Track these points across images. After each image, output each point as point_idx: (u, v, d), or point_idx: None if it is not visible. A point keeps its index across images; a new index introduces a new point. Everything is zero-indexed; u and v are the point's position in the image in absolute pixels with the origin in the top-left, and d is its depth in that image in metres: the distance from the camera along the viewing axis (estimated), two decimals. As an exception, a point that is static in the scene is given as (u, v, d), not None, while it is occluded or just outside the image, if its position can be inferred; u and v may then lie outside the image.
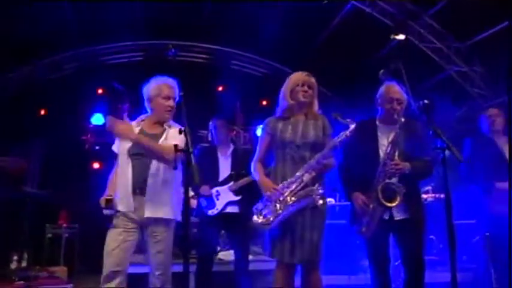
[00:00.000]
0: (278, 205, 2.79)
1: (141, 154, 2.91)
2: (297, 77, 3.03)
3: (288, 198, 2.80)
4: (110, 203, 2.91)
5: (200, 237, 4.44)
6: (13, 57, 6.78)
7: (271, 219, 2.79)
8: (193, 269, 4.50)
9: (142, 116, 3.08)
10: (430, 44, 6.87)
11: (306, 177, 2.82)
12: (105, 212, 2.91)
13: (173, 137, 2.91)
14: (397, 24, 6.33)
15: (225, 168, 4.46)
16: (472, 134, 4.01)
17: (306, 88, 2.98)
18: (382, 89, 3.17)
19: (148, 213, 2.86)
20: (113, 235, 2.88)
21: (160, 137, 2.97)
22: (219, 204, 4.36)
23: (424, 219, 3.12)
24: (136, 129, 2.98)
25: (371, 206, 2.99)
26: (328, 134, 3.00)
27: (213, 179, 4.38)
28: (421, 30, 6.82)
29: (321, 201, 2.80)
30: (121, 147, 3.00)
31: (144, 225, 2.91)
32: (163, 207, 2.89)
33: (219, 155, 4.49)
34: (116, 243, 2.85)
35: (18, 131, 6.78)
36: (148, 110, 3.05)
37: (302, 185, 2.82)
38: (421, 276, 3.03)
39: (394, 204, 2.95)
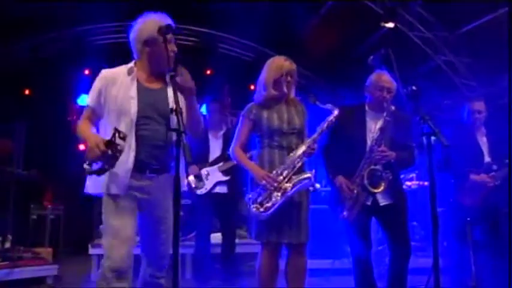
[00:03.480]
0: (276, 192, 2.81)
1: (152, 118, 2.34)
2: (280, 65, 2.93)
3: (284, 184, 2.82)
4: (113, 145, 2.16)
5: (196, 218, 4.56)
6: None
7: (270, 205, 2.80)
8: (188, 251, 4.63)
9: (129, 65, 2.41)
10: (418, 33, 6.90)
11: (298, 163, 2.86)
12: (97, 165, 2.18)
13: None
14: (387, 12, 6.33)
15: (215, 150, 4.55)
16: (452, 124, 4.06)
17: (289, 79, 2.92)
18: (373, 76, 3.19)
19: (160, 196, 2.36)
20: (118, 218, 2.30)
21: (166, 94, 2.37)
22: (208, 184, 4.46)
23: (406, 205, 3.19)
24: (128, 80, 2.34)
25: (355, 190, 3.03)
26: (306, 119, 3.04)
27: (202, 160, 4.45)
28: (411, 19, 6.84)
29: (317, 185, 2.86)
30: (119, 102, 2.30)
31: (146, 207, 2.39)
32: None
33: (210, 136, 4.56)
34: (125, 241, 2.29)
35: (1, 111, 6.68)
36: (140, 56, 2.41)
37: (294, 170, 2.85)
38: (407, 260, 3.09)
39: (378, 191, 3.01)
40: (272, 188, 2.81)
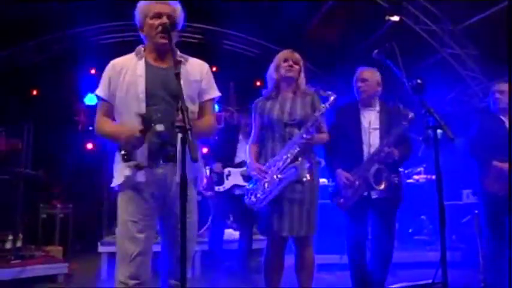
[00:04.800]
0: (266, 184, 2.87)
1: (162, 98, 2.20)
2: (281, 54, 3.08)
3: (275, 176, 2.85)
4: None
5: (212, 213, 4.65)
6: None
7: (260, 197, 2.88)
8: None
9: (140, 47, 2.36)
10: (424, 26, 6.86)
11: (290, 154, 2.85)
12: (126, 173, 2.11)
13: (199, 72, 2.35)
14: (392, 6, 6.30)
15: (241, 153, 4.58)
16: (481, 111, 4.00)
17: (290, 63, 3.00)
18: (356, 73, 3.35)
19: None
20: (129, 227, 2.15)
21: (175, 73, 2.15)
22: (227, 184, 4.55)
23: (399, 197, 3.29)
24: (136, 61, 2.28)
25: (356, 182, 3.13)
26: (318, 108, 2.99)
27: (227, 160, 4.51)
28: (416, 12, 6.81)
29: (308, 176, 2.82)
30: (126, 83, 2.23)
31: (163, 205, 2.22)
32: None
33: (241, 137, 4.61)
34: (138, 246, 2.15)
35: (10, 111, 6.73)
36: (145, 41, 2.37)
37: (288, 161, 2.85)
38: (391, 246, 3.25)
39: (380, 188, 3.14)
40: (265, 180, 2.86)
